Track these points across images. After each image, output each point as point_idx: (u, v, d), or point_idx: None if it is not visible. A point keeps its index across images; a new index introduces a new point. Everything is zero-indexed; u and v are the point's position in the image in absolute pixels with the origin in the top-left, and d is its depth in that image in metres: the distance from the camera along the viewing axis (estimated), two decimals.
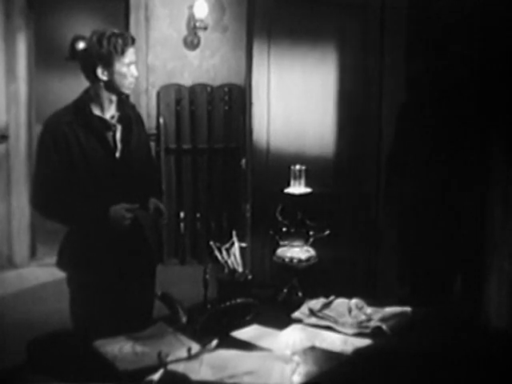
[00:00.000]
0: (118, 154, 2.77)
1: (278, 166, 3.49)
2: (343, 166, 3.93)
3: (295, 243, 2.67)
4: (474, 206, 3.09)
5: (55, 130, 2.71)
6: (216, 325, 2.33)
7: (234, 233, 2.67)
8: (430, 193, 3.17)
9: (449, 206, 3.12)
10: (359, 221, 3.87)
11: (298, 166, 2.64)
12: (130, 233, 2.75)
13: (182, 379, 1.97)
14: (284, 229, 2.69)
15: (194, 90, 5.94)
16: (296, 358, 2.13)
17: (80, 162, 2.70)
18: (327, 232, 2.69)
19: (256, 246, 3.76)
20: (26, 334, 2.43)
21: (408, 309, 2.50)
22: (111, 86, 2.73)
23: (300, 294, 2.66)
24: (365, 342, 2.28)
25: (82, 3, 7.02)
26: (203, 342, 2.20)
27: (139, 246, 2.87)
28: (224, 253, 2.59)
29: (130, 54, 2.72)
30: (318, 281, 2.73)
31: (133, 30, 5.77)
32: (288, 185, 2.66)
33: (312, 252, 2.68)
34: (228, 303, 2.40)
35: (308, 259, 2.66)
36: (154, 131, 5.81)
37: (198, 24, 5.84)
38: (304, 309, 2.53)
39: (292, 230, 2.67)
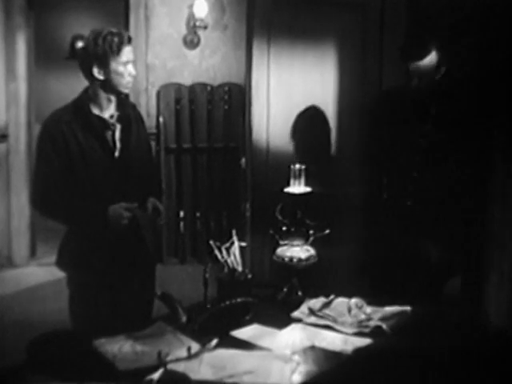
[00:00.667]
0: (117, 154, 2.77)
1: (278, 165, 3.49)
2: (343, 165, 3.93)
3: (295, 242, 2.67)
4: (473, 204, 3.08)
5: (54, 129, 2.71)
6: (216, 324, 2.33)
7: (233, 232, 2.67)
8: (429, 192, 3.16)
9: (448, 205, 3.11)
10: (359, 221, 3.87)
11: (298, 166, 2.64)
12: (127, 232, 2.75)
13: (182, 378, 1.97)
14: (284, 228, 2.69)
15: (193, 89, 5.94)
16: (296, 357, 2.13)
17: (79, 162, 2.70)
18: (327, 231, 2.69)
19: (256, 245, 3.76)
20: (26, 333, 2.43)
21: (408, 308, 2.50)
22: (108, 85, 2.73)
23: (300, 293, 2.66)
24: (364, 341, 2.28)
25: (81, 3, 7.02)
26: (203, 342, 2.20)
27: (136, 245, 2.86)
28: (224, 252, 2.59)
29: (127, 53, 2.71)
30: (317, 280, 2.73)
31: (132, 29, 5.77)
32: (288, 184, 2.66)
33: (312, 251, 2.68)
34: (228, 302, 2.40)
35: (308, 258, 2.66)
36: (153, 130, 5.80)
37: (197, 23, 5.83)
38: (304, 308, 2.53)
39: (292, 230, 2.67)
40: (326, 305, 2.54)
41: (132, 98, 5.32)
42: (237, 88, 5.86)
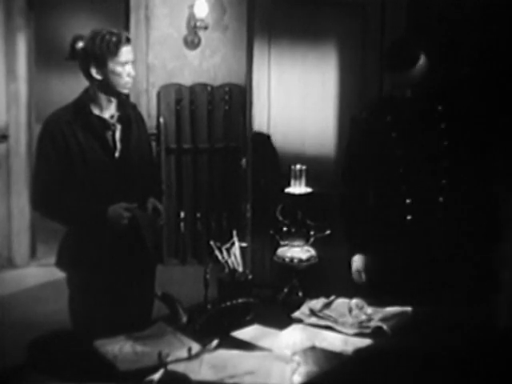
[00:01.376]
0: (117, 154, 2.77)
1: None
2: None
3: (295, 243, 2.67)
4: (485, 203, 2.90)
5: (54, 129, 2.70)
6: (216, 325, 2.33)
7: (234, 232, 2.67)
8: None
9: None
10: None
11: (298, 166, 2.64)
12: (127, 232, 2.74)
13: (182, 379, 1.97)
14: (284, 229, 2.69)
15: (194, 89, 5.94)
16: (296, 358, 2.13)
17: (79, 162, 2.70)
18: (328, 232, 2.68)
19: (256, 245, 3.77)
20: (26, 333, 2.43)
21: (408, 309, 2.50)
22: (106, 86, 2.72)
23: (300, 293, 2.66)
24: (365, 342, 2.28)
25: (82, 3, 7.02)
26: (203, 342, 2.19)
27: (135, 245, 2.85)
28: (224, 253, 2.59)
29: (126, 53, 2.70)
30: (318, 281, 2.73)
31: (133, 30, 5.77)
32: (288, 184, 2.66)
33: (312, 252, 2.68)
34: (228, 303, 2.40)
35: (308, 259, 2.65)
36: (154, 131, 5.81)
37: (198, 23, 5.83)
38: (304, 309, 2.52)
39: (292, 230, 2.67)
40: (327, 305, 2.54)
41: (132, 99, 5.32)
42: (237, 88, 5.86)
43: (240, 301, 2.42)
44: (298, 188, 2.64)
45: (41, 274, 5.53)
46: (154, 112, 5.94)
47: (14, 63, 5.79)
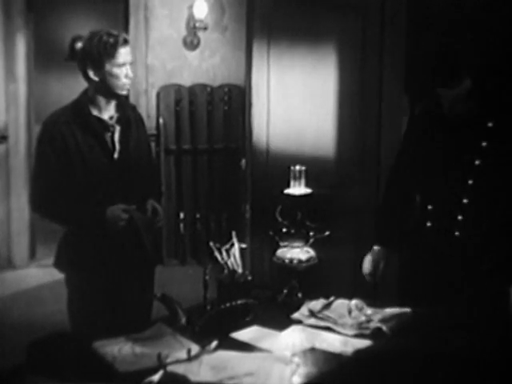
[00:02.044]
0: (116, 155, 2.77)
1: (278, 166, 3.49)
2: (343, 166, 3.93)
3: (295, 244, 2.67)
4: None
5: (53, 129, 2.70)
6: (216, 326, 2.33)
7: (233, 233, 2.67)
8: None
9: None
10: (359, 221, 3.87)
11: (297, 167, 2.64)
12: (125, 233, 2.74)
13: (182, 380, 1.96)
14: (284, 229, 2.68)
15: (193, 90, 5.94)
16: (296, 359, 2.12)
17: (78, 163, 2.70)
18: (327, 233, 2.68)
19: (256, 246, 3.76)
20: (25, 334, 2.43)
21: (408, 310, 2.50)
22: (103, 87, 2.71)
23: (300, 294, 2.66)
24: (365, 343, 2.28)
25: (81, 4, 7.02)
26: (203, 343, 2.19)
27: (133, 246, 2.85)
28: (224, 254, 2.59)
29: (124, 55, 2.69)
30: (317, 282, 2.73)
31: (132, 31, 5.77)
32: (288, 185, 2.66)
33: (312, 253, 2.68)
34: (228, 304, 2.40)
35: (308, 260, 2.65)
36: (153, 132, 5.81)
37: (197, 24, 5.83)
38: (304, 310, 2.52)
39: (292, 231, 2.67)
40: (326, 306, 2.54)
41: (132, 99, 5.33)
42: (237, 89, 5.86)
43: (239, 302, 2.42)
44: (297, 189, 2.64)
45: (40, 274, 5.53)
46: (153, 113, 5.94)
47: (14, 64, 5.79)
